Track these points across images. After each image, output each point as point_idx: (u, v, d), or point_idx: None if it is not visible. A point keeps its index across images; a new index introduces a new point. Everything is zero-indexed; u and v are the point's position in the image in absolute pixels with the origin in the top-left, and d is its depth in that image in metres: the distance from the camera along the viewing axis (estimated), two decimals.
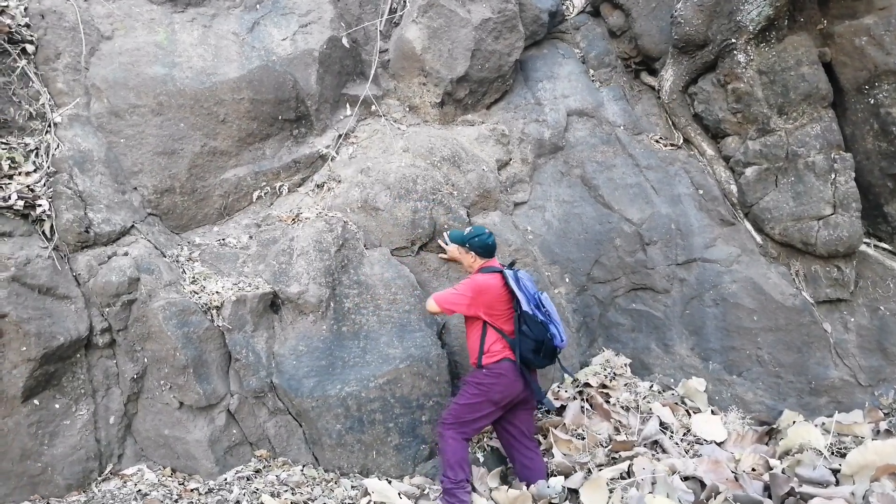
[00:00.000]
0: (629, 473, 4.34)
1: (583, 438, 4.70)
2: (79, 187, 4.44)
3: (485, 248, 4.38)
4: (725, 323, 5.40)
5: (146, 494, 3.87)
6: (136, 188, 4.81)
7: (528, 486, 4.17)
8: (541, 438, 4.77)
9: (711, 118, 5.78)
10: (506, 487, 4.14)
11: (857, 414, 5.02)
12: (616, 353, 5.57)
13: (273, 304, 4.69)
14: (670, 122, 6.22)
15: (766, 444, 4.90)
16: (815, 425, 4.90)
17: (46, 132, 4.53)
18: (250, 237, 5.05)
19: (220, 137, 5.07)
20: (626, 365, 5.48)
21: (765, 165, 5.46)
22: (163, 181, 4.87)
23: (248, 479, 4.16)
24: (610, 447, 4.60)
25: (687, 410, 5.11)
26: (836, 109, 5.48)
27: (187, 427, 4.25)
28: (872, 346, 5.23)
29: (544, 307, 4.20)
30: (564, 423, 4.84)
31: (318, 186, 5.36)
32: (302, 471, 4.34)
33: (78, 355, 4.10)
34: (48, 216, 4.18)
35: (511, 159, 5.95)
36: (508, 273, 4.20)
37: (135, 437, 4.32)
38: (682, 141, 6.11)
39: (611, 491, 4.09)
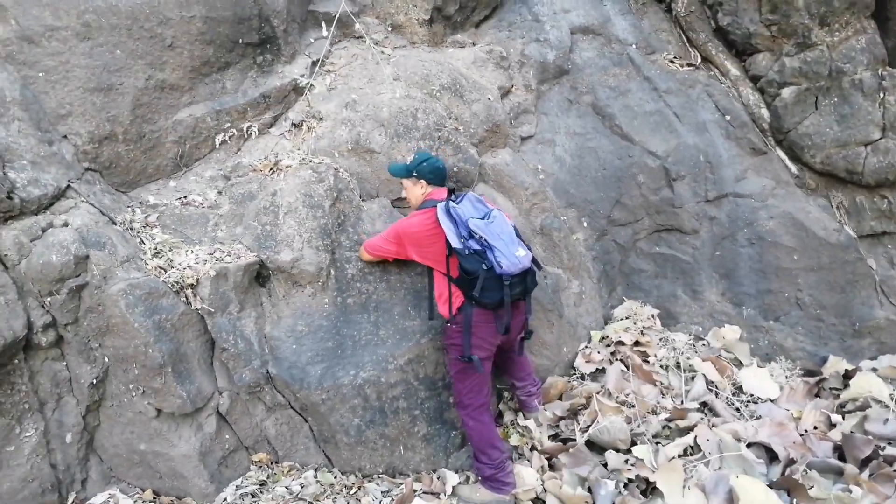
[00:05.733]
0: (694, 446, 3.81)
1: (632, 406, 4.13)
2: None
3: (437, 172, 3.61)
4: (762, 264, 4.88)
5: None
6: (66, 136, 3.72)
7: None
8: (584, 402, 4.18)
9: (740, 32, 5.08)
10: (559, 480, 3.49)
11: None
12: (642, 304, 4.99)
13: (259, 275, 3.79)
14: (685, 39, 5.50)
15: (817, 395, 4.49)
16: (863, 369, 4.52)
17: None
18: (219, 193, 4.06)
19: (168, 68, 3.99)
20: (653, 316, 4.91)
21: (804, 85, 4.85)
22: (100, 126, 3.79)
23: (252, 497, 3.36)
24: (668, 416, 4.05)
25: (730, 363, 4.61)
26: (876, 20, 4.89)
27: (170, 439, 3.37)
28: None
29: (477, 233, 3.30)
30: (608, 390, 4.25)
31: (294, 126, 4.38)
32: (315, 477, 3.58)
33: (16, 361, 3.11)
34: None
35: (513, 86, 5.11)
36: (440, 206, 3.38)
37: (100, 456, 3.42)
38: (699, 60, 5.42)
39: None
